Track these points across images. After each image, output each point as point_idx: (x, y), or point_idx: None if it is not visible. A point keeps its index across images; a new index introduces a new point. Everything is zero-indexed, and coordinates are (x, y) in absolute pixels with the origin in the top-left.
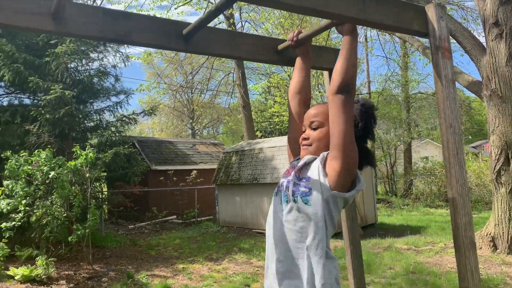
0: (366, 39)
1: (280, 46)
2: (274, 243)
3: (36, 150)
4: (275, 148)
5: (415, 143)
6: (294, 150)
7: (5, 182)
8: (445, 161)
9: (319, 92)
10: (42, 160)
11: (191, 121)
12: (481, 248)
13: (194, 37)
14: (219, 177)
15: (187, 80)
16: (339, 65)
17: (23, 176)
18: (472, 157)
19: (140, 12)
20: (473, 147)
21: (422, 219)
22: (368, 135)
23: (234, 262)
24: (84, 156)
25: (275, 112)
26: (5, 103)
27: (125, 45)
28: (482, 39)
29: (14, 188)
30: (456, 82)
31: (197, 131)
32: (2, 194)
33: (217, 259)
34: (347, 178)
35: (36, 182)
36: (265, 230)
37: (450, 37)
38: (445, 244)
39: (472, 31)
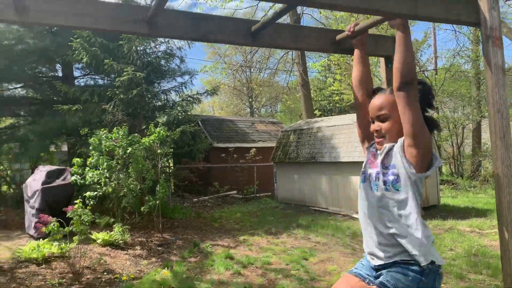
0: None
1: (338, 37)
2: (373, 224)
3: (115, 128)
4: (335, 127)
5: (485, 122)
6: (364, 133)
7: (90, 158)
8: (492, 144)
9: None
10: (120, 137)
11: (249, 99)
12: None
13: (260, 33)
14: (277, 155)
15: (246, 59)
16: (396, 63)
17: (105, 150)
18: None
19: (215, 14)
20: None
21: (490, 202)
22: (430, 107)
23: (293, 237)
24: (157, 134)
25: (334, 90)
26: (82, 84)
27: None
28: None
29: (99, 162)
30: None
31: (255, 109)
32: (87, 167)
33: (276, 233)
34: (426, 159)
35: (117, 156)
36: (323, 208)
37: None
38: None
39: None
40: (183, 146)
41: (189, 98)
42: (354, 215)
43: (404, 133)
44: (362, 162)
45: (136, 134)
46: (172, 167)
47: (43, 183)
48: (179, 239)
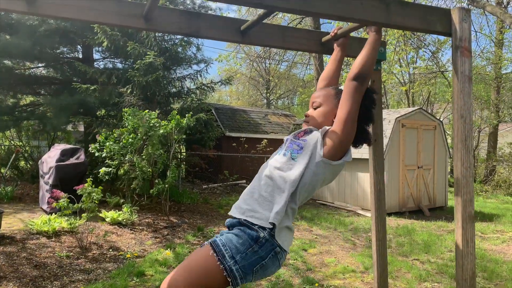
0: None
1: (324, 39)
2: (257, 176)
3: (147, 110)
4: None
5: (502, 126)
6: None
7: (115, 131)
8: (454, 146)
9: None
10: (149, 118)
11: (265, 91)
12: None
13: (249, 32)
14: None
15: (264, 49)
16: (360, 57)
17: (131, 127)
18: None
19: (207, 12)
20: None
21: (499, 207)
22: (368, 117)
23: (295, 228)
24: (176, 121)
25: None
26: (101, 66)
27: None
28: None
29: (124, 134)
30: None
31: (272, 101)
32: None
33: None
34: (339, 150)
35: (139, 135)
36: (328, 202)
37: None
38: None
39: None
40: (195, 133)
41: (203, 87)
42: (359, 211)
43: (336, 117)
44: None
45: (158, 119)
46: (184, 153)
47: (57, 161)
48: (184, 223)
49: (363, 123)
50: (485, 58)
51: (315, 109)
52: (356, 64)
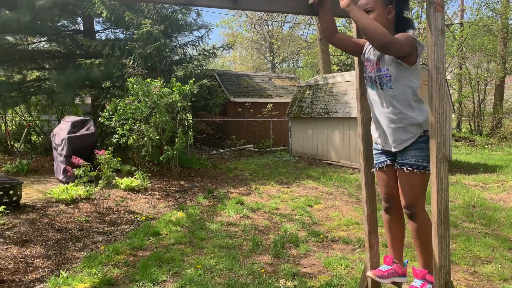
0: None
1: (310, 1)
2: (378, 117)
3: (150, 79)
4: (349, 82)
5: (509, 79)
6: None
7: (125, 99)
8: (429, 95)
9: None
10: (159, 87)
11: (268, 54)
12: None
13: None
14: (292, 110)
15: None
16: (363, 34)
17: (141, 96)
18: None
19: None
20: None
21: (503, 158)
22: (404, 8)
23: (302, 187)
24: (177, 88)
25: None
26: (103, 37)
27: None
28: None
29: (136, 106)
30: None
31: (276, 64)
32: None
33: (286, 183)
34: (407, 52)
35: (148, 103)
36: (334, 161)
37: None
38: None
39: None
40: (199, 100)
41: (205, 53)
42: None
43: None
44: None
45: (166, 88)
46: (190, 120)
47: (68, 132)
48: (195, 187)
49: (401, 13)
50: (491, 9)
51: (368, 13)
52: (369, 40)
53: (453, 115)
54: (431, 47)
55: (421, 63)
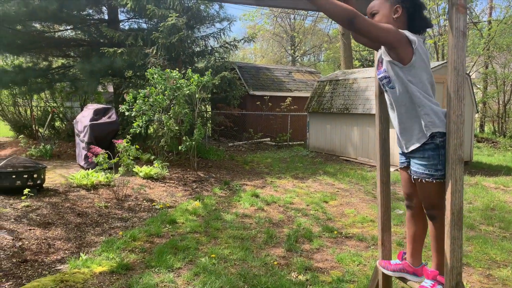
0: None
1: None
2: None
3: (169, 70)
4: (370, 78)
5: None
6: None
7: (143, 91)
8: (447, 96)
9: None
10: (177, 79)
11: (289, 48)
12: None
13: None
14: (311, 105)
15: None
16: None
17: (160, 87)
18: None
19: None
20: None
21: None
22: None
23: (318, 182)
24: (196, 79)
25: None
26: (126, 27)
27: None
28: None
29: (152, 93)
30: None
31: (297, 57)
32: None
33: (302, 178)
34: (399, 49)
35: (167, 95)
36: (352, 158)
37: None
38: None
39: None
40: (219, 92)
41: (226, 45)
42: None
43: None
44: None
45: (185, 79)
46: (210, 112)
47: (91, 120)
48: (211, 177)
49: (416, 12)
50: None
51: (373, 16)
52: (334, 18)
53: (476, 115)
54: (452, 48)
55: (441, 62)
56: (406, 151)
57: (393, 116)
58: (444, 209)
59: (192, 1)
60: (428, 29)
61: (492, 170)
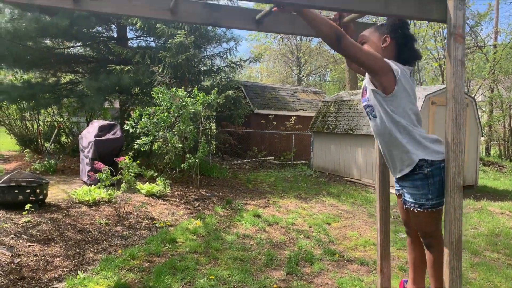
0: None
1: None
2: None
3: (175, 88)
4: None
5: None
6: None
7: (148, 109)
8: (446, 123)
9: None
10: (182, 97)
11: (295, 68)
12: None
13: (263, 21)
14: (315, 125)
15: None
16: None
17: (165, 105)
18: None
19: (227, 4)
20: None
21: None
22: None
23: (321, 203)
24: (201, 97)
25: None
26: (135, 45)
27: None
28: None
29: (157, 112)
30: None
31: (302, 77)
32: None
33: (305, 199)
34: (382, 78)
35: (172, 113)
36: (355, 179)
37: None
38: None
39: None
40: (224, 110)
41: (232, 65)
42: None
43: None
44: None
45: (191, 98)
46: (214, 130)
47: (95, 136)
48: (214, 196)
49: (405, 41)
50: None
51: (362, 44)
52: (320, 35)
53: (481, 138)
54: (450, 77)
55: (441, 87)
56: (395, 177)
57: (379, 143)
58: (441, 238)
59: None
60: (417, 61)
61: (497, 194)
